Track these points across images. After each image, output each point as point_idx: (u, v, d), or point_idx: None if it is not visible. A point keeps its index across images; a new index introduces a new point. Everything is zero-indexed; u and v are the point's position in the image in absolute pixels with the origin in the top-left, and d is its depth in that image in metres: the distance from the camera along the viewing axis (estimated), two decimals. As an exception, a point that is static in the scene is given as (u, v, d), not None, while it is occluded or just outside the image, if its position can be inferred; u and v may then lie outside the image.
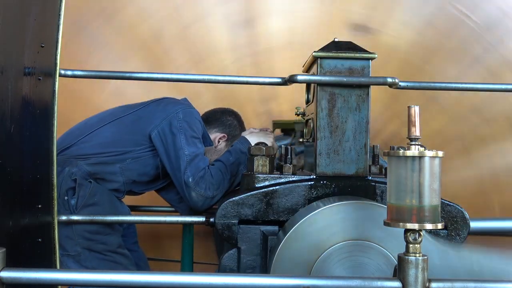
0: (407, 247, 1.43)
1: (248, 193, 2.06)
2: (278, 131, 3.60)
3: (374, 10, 3.80)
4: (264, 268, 2.00)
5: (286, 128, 3.59)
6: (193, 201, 2.54)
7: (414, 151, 1.45)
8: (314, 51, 2.11)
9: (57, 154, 2.50)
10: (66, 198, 2.47)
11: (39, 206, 1.87)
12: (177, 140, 2.58)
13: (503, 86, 2.38)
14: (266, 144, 2.25)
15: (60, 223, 2.16)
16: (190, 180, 2.52)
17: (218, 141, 2.95)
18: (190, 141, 2.59)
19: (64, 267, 2.48)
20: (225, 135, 2.97)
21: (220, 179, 2.58)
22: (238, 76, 2.53)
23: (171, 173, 2.61)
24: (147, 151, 2.67)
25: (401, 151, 1.47)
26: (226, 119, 3.01)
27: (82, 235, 2.48)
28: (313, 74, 2.18)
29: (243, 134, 2.86)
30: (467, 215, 2.04)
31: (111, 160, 2.62)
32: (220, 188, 2.57)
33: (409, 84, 2.21)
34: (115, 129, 2.69)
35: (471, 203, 3.55)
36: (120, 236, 2.67)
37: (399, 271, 1.43)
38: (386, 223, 1.49)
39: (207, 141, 2.81)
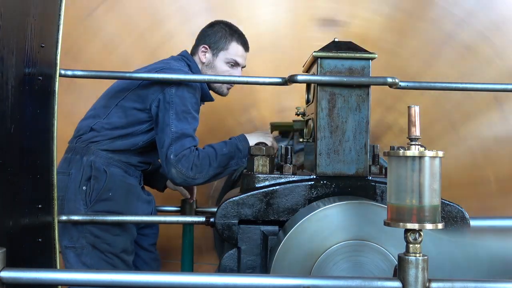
0: (407, 247, 1.44)
1: (248, 193, 2.06)
2: (275, 133, 3.59)
3: (339, 2, 3.75)
4: (264, 268, 2.00)
5: (283, 130, 3.59)
6: (172, 176, 2.50)
7: (414, 151, 1.45)
8: (314, 51, 2.11)
9: (76, 141, 2.58)
10: (84, 188, 2.49)
11: (39, 206, 1.87)
12: (166, 115, 2.51)
13: (503, 86, 2.38)
14: (266, 144, 2.25)
15: (60, 223, 2.17)
16: (172, 157, 2.46)
17: (204, 55, 2.81)
18: (180, 116, 2.52)
19: (63, 259, 2.49)
20: (206, 46, 2.81)
21: (206, 164, 2.51)
22: (238, 76, 2.52)
23: (158, 147, 2.57)
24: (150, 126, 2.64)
25: (401, 151, 1.48)
26: (210, 30, 2.84)
27: (90, 231, 2.48)
28: (313, 74, 2.18)
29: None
30: (467, 215, 2.04)
31: (125, 133, 2.61)
32: (203, 173, 2.51)
33: (409, 84, 2.21)
34: (121, 112, 2.64)
35: (466, 179, 3.57)
36: (130, 239, 2.64)
37: (399, 271, 1.43)
38: (386, 223, 1.49)
39: (207, 97, 2.75)
